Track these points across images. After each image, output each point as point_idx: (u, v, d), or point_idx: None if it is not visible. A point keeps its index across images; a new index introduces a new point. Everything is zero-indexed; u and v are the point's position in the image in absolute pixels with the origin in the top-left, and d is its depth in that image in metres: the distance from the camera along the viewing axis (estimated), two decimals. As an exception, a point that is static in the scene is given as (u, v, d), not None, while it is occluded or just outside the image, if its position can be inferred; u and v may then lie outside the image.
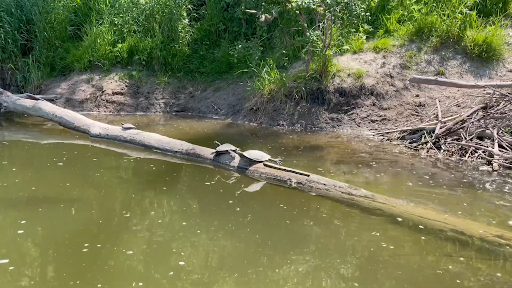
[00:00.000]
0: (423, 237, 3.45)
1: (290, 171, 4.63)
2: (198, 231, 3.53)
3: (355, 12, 7.51)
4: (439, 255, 3.20)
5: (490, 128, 5.96)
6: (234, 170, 5.14)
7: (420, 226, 3.58)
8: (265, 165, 4.91)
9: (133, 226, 3.68)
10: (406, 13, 9.14)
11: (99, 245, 3.29)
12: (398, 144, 6.69)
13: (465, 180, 4.91)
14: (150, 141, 6.05)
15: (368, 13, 8.25)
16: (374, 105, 7.96)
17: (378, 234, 3.48)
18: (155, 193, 4.57)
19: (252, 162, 4.99)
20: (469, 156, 5.70)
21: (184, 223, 3.71)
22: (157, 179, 5.02)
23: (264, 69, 8.80)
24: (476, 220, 3.72)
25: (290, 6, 7.53)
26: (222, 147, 5.30)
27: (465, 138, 6.01)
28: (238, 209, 4.00)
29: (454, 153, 5.85)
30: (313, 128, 7.98)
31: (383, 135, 7.19)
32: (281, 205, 4.10)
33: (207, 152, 5.49)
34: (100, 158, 5.98)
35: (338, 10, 7.45)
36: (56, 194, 4.46)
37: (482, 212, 4.01)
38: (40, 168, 5.48)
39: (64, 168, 5.28)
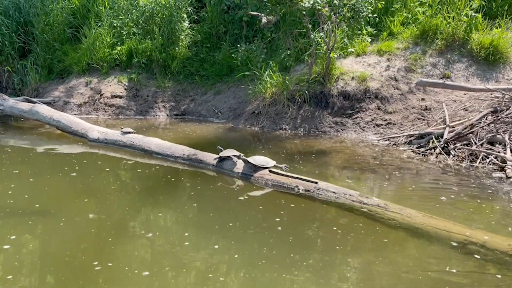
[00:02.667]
0: (442, 251, 3.25)
1: (297, 178, 4.45)
2: (226, 255, 3.25)
3: (363, 14, 7.34)
4: (463, 271, 3.00)
5: (501, 133, 5.79)
6: (238, 176, 4.95)
7: (438, 239, 3.38)
8: (270, 171, 4.73)
9: (142, 240, 3.49)
10: (410, 16, 8.99)
11: (110, 264, 3.06)
12: (405, 149, 6.51)
13: (478, 188, 4.73)
14: (150, 146, 5.87)
15: (375, 15, 8.10)
16: (379, 108, 7.79)
17: (396, 248, 3.30)
18: (159, 203, 4.37)
19: (257, 168, 4.81)
20: (480, 162, 5.53)
21: (201, 241, 3.45)
22: (159, 186, 4.84)
23: (266, 72, 8.62)
24: (497, 232, 3.52)
25: (301, 5, 7.31)
26: (225, 153, 5.12)
27: (476, 143, 5.84)
28: (259, 227, 3.81)
29: (464, 158, 5.68)
30: (317, 133, 7.80)
31: (389, 140, 7.02)
32: (288, 217, 3.90)
33: (210, 158, 5.30)
34: (99, 164, 5.78)
35: (345, 11, 7.27)
36: (49, 205, 4.26)
37: (503, 222, 3.81)
38: (35, 176, 5.21)
39: (60, 176, 5.07)
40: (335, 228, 3.60)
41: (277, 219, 3.80)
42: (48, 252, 3.29)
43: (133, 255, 3.23)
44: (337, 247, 3.30)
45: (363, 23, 8.01)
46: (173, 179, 5.03)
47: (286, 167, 5.02)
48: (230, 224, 3.72)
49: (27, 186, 4.70)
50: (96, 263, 3.04)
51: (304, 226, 3.73)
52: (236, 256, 3.16)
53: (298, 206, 4.11)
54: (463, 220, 3.79)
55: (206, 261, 3.12)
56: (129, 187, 4.87)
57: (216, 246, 3.32)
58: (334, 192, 4.11)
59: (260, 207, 4.16)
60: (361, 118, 7.78)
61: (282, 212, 3.97)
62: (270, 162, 4.83)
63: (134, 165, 5.61)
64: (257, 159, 4.81)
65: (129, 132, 6.22)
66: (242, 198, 4.37)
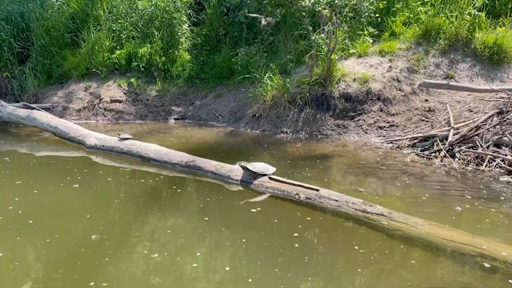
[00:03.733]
0: (451, 266, 3.10)
1: (298, 185, 4.32)
2: (238, 280, 3.05)
3: (366, 13, 7.21)
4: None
5: (508, 135, 5.65)
6: (237, 183, 4.83)
7: (446, 251, 3.23)
8: (270, 178, 4.60)
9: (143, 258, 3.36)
10: (412, 15, 8.84)
11: (104, 284, 2.89)
12: (408, 153, 6.37)
13: (485, 192, 4.59)
14: (148, 153, 5.74)
15: (377, 15, 7.98)
16: (381, 110, 7.66)
17: (398, 258, 3.16)
18: (166, 218, 4.18)
19: (256, 175, 4.68)
20: (486, 165, 5.39)
21: (211, 262, 3.24)
22: (166, 198, 4.67)
23: (267, 75, 8.50)
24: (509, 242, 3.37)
25: (301, 5, 7.18)
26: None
27: (481, 146, 5.70)
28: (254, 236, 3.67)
29: (470, 162, 5.54)
30: (319, 136, 7.67)
31: (392, 143, 6.88)
32: (305, 232, 3.70)
33: (209, 165, 5.17)
34: (101, 174, 5.65)
35: (346, 12, 7.15)
36: (50, 219, 4.13)
37: None
38: (38, 187, 5.06)
39: (62, 187, 4.95)
40: (356, 247, 3.32)
41: (295, 234, 3.55)
42: (42, 267, 3.17)
43: (135, 276, 3.03)
44: (358, 269, 3.06)
45: (365, 23, 7.88)
46: (179, 190, 4.80)
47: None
48: (243, 240, 3.48)
49: (31, 198, 4.55)
50: (92, 283, 2.90)
51: (322, 243, 3.48)
52: (250, 280, 2.95)
53: (316, 219, 3.90)
54: (481, 232, 3.65)
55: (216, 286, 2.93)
56: (133, 200, 4.60)
57: (228, 268, 3.09)
58: (336, 200, 3.98)
59: (275, 221, 3.87)
60: (364, 120, 7.64)
61: (300, 227, 3.70)
62: (270, 169, 4.70)
63: (137, 174, 5.44)
64: (256, 166, 4.68)
65: (127, 138, 6.11)
66: (255, 210, 4.12)
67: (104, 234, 3.64)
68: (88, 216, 4.05)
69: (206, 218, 3.98)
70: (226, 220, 3.97)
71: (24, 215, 4.02)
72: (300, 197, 4.22)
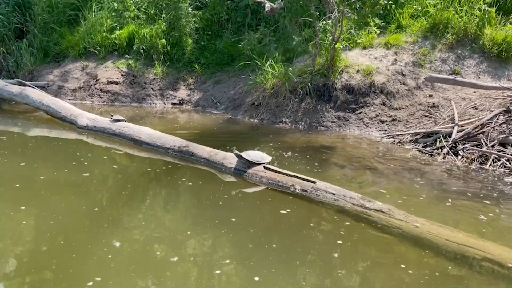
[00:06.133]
0: (452, 268, 2.91)
1: (294, 176, 4.12)
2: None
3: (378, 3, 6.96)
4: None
5: (514, 135, 5.45)
6: (230, 172, 4.62)
7: (447, 252, 3.03)
8: (265, 168, 4.40)
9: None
10: (420, 8, 8.59)
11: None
12: (410, 148, 6.17)
13: (488, 193, 4.39)
14: (141, 136, 5.53)
15: (391, 2, 7.71)
16: (384, 104, 7.44)
17: (399, 259, 2.98)
18: (186, 218, 3.82)
19: (251, 164, 4.47)
20: (490, 165, 5.19)
21: (239, 270, 2.94)
22: (181, 192, 4.35)
23: (268, 62, 8.26)
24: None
25: None
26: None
27: (486, 145, 5.49)
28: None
29: (474, 160, 5.34)
30: (318, 127, 7.46)
31: (393, 137, 6.68)
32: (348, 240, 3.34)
33: (202, 151, 4.96)
34: (105, 160, 5.42)
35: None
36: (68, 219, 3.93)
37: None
38: (44, 173, 4.75)
39: (70, 173, 4.75)
40: (387, 261, 3.07)
41: (339, 242, 3.20)
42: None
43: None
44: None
45: (381, 11, 7.59)
46: (190, 183, 4.41)
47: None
48: (274, 246, 3.15)
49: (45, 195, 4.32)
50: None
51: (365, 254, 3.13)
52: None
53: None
54: (472, 227, 3.46)
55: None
56: (141, 193, 4.22)
57: (257, 279, 2.78)
58: (333, 194, 3.79)
59: (311, 225, 3.51)
60: (365, 113, 7.42)
61: (341, 233, 3.35)
62: (266, 158, 4.50)
63: (143, 161, 5.12)
64: (251, 154, 4.47)
65: (119, 120, 5.90)
66: (284, 212, 3.73)
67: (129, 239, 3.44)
68: (97, 209, 3.85)
69: (233, 219, 3.70)
70: (253, 221, 3.63)
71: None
72: (295, 188, 4.02)
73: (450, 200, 4.15)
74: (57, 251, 2.98)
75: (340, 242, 3.19)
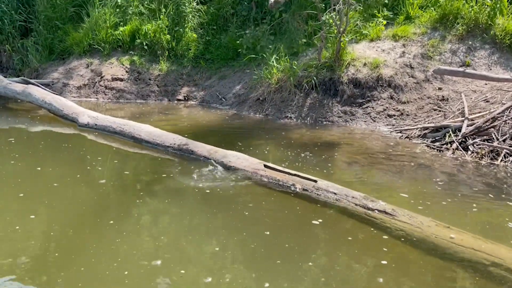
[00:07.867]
0: (462, 275, 2.75)
1: (295, 174, 3.98)
2: None
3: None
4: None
5: (527, 129, 5.24)
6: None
7: (456, 259, 2.85)
8: (265, 166, 4.26)
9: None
10: (429, -2, 8.35)
11: None
12: (418, 143, 5.99)
13: (500, 190, 4.20)
14: (141, 134, 5.42)
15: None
16: (391, 98, 7.24)
17: (393, 265, 2.83)
18: (216, 230, 3.47)
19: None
20: (502, 160, 4.99)
21: None
22: (209, 203, 4.35)
23: (273, 56, 8.10)
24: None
25: None
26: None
27: (497, 139, 5.29)
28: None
29: (484, 155, 5.14)
30: (324, 122, 7.29)
31: (401, 132, 6.50)
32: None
33: (202, 149, 4.84)
34: (116, 163, 5.29)
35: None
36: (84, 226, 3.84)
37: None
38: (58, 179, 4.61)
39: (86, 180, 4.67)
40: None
41: (383, 262, 2.83)
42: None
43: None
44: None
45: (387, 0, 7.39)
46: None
47: None
48: (310, 264, 2.81)
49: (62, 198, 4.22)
50: None
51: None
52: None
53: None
54: (483, 230, 3.30)
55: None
56: (154, 194, 4.04)
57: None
58: (334, 193, 3.63)
59: (350, 239, 3.17)
60: (372, 107, 7.24)
61: (385, 248, 2.99)
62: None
63: (156, 162, 4.93)
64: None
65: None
66: (317, 222, 3.39)
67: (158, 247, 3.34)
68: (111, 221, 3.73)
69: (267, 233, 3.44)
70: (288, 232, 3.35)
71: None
72: (296, 188, 3.88)
73: (461, 197, 3.96)
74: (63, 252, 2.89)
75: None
